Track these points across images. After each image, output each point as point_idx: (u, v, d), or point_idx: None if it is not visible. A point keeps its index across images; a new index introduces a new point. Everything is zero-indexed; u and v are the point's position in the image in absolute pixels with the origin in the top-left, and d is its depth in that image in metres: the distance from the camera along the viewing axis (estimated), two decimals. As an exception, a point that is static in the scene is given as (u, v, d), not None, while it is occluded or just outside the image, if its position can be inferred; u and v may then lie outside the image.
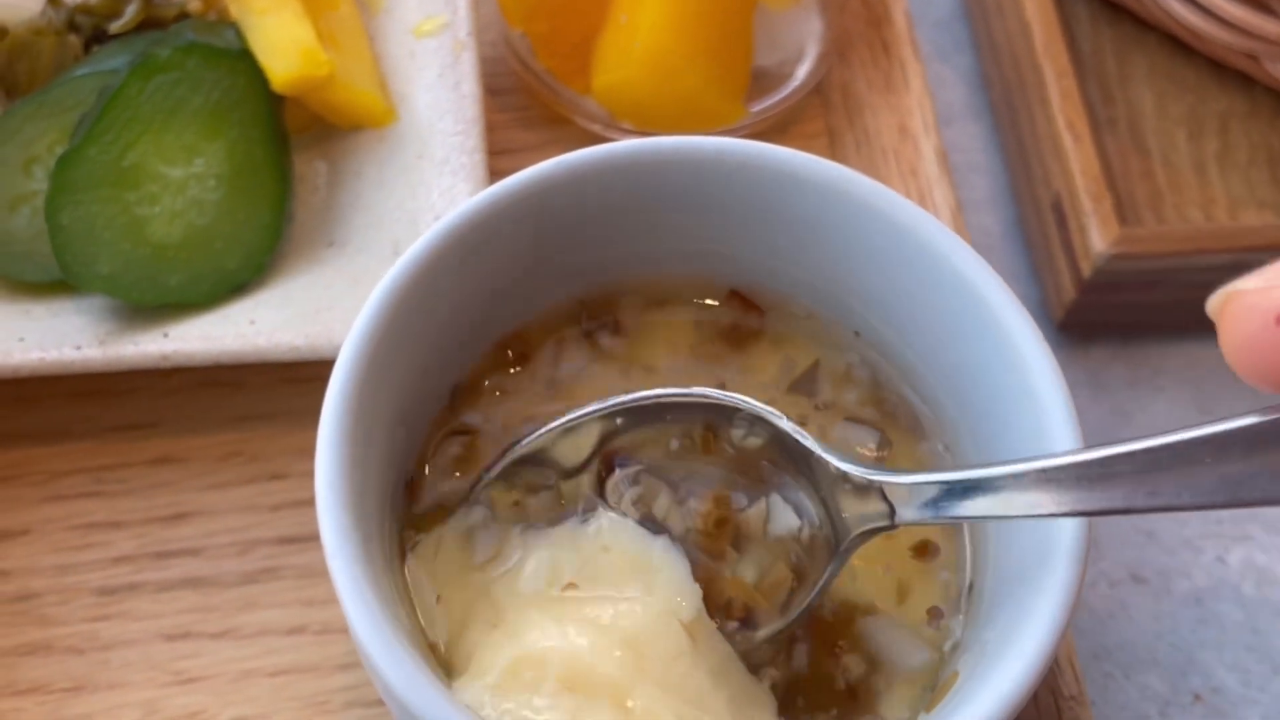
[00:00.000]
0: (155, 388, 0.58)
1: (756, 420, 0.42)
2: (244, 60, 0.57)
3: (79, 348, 0.52)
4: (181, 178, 0.55)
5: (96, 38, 0.60)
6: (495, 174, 0.58)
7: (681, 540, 0.41)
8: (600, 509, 0.42)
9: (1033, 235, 0.65)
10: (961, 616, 0.42)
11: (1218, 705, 0.56)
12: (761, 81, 0.65)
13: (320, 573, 0.54)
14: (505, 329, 0.47)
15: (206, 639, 0.53)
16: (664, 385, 0.45)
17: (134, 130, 0.54)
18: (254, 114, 0.57)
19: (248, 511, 0.56)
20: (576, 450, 0.43)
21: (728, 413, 0.42)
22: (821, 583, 0.41)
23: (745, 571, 0.41)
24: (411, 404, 0.43)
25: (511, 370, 0.47)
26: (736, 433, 0.42)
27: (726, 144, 0.43)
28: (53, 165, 0.55)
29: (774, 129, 0.66)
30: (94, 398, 0.57)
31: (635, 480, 0.42)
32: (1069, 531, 0.37)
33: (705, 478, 0.42)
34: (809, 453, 0.41)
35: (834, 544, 0.41)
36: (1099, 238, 0.59)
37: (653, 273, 0.47)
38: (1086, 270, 0.59)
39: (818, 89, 0.67)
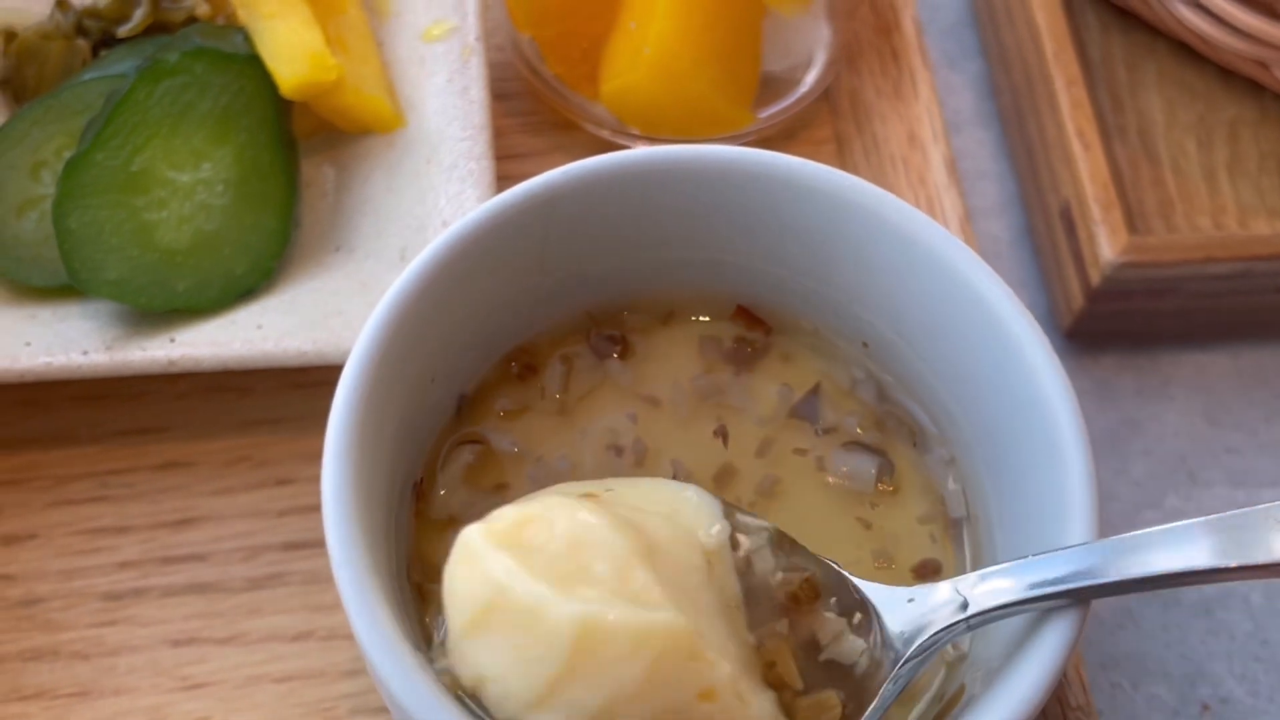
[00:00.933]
0: (163, 393, 0.58)
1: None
2: (252, 65, 0.57)
3: (86, 353, 0.52)
4: (189, 183, 0.55)
5: (104, 42, 0.60)
6: (503, 179, 0.58)
7: None
8: None
9: (1041, 243, 0.65)
10: (969, 631, 0.42)
11: (1226, 716, 0.56)
12: (770, 87, 0.65)
13: (326, 579, 0.55)
14: (513, 340, 0.47)
15: (212, 645, 0.53)
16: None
17: (142, 135, 0.54)
18: (262, 119, 0.57)
19: (254, 517, 0.56)
20: None
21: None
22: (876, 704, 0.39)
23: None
24: (418, 412, 0.43)
25: (519, 383, 0.47)
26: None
27: (736, 153, 0.43)
28: (60, 170, 0.55)
29: (782, 135, 0.66)
30: (101, 402, 0.57)
31: None
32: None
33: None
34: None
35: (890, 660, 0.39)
36: (1108, 246, 0.58)
37: (660, 283, 0.47)
38: (1095, 279, 0.59)
39: (826, 95, 0.67)
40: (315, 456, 0.57)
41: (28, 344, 0.53)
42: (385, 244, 0.57)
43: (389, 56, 0.62)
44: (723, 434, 0.46)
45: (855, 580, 0.40)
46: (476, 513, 0.44)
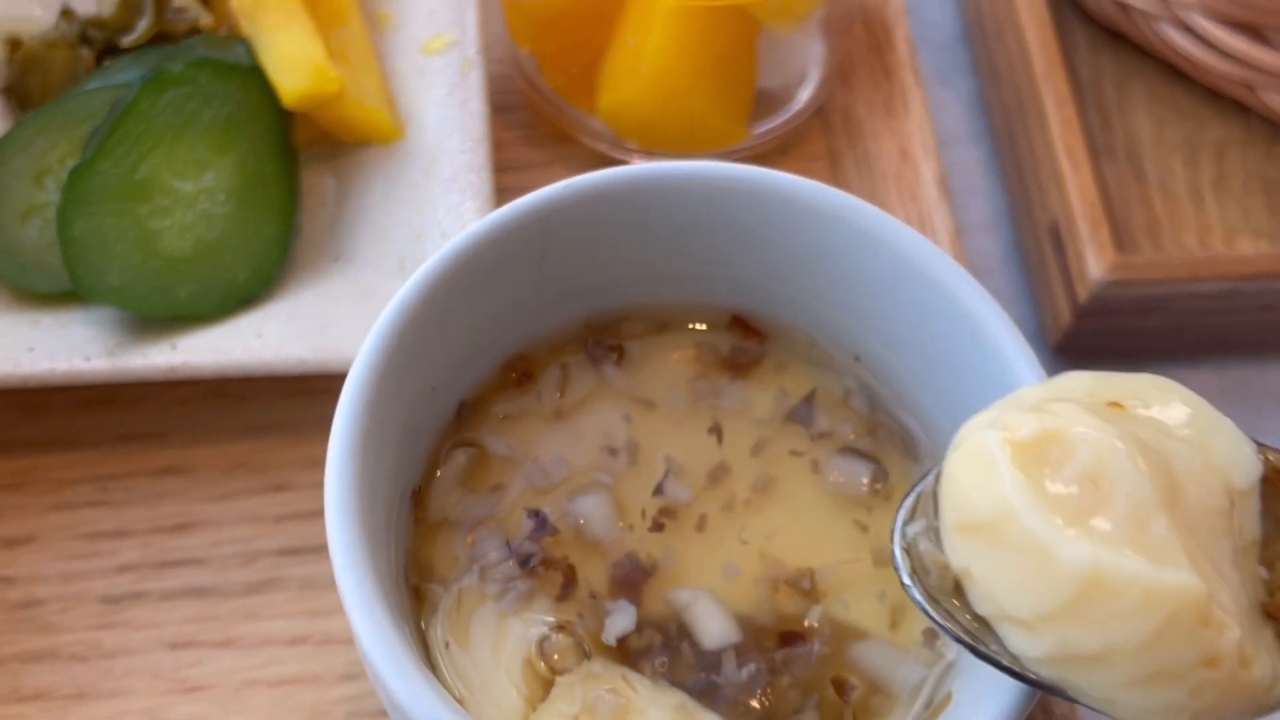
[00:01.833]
0: (162, 398, 0.58)
1: None
2: (254, 76, 0.58)
3: (88, 358, 0.53)
4: (192, 191, 0.56)
5: (108, 51, 0.61)
6: (501, 191, 0.59)
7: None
8: None
9: (1031, 259, 0.66)
10: (956, 638, 0.43)
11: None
12: (764, 103, 0.66)
13: (322, 584, 0.55)
14: (512, 348, 0.47)
15: (210, 648, 0.54)
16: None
17: (146, 144, 0.55)
18: (264, 129, 0.58)
19: (252, 522, 0.56)
20: None
21: None
22: None
23: None
24: (419, 420, 0.44)
25: (517, 390, 0.47)
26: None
27: (734, 170, 0.44)
28: (64, 177, 0.55)
29: (775, 151, 0.67)
30: (101, 407, 0.58)
31: None
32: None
33: None
34: None
35: None
36: (1095, 264, 0.59)
37: (657, 295, 0.48)
38: (1083, 296, 0.60)
39: (819, 112, 0.68)
40: (313, 463, 0.58)
41: (31, 349, 0.53)
42: (384, 253, 0.58)
43: (388, 68, 0.63)
44: (718, 431, 0.47)
45: None
46: (471, 515, 0.45)
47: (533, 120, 0.67)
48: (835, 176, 0.67)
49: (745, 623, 0.44)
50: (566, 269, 0.46)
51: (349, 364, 0.53)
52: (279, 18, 0.59)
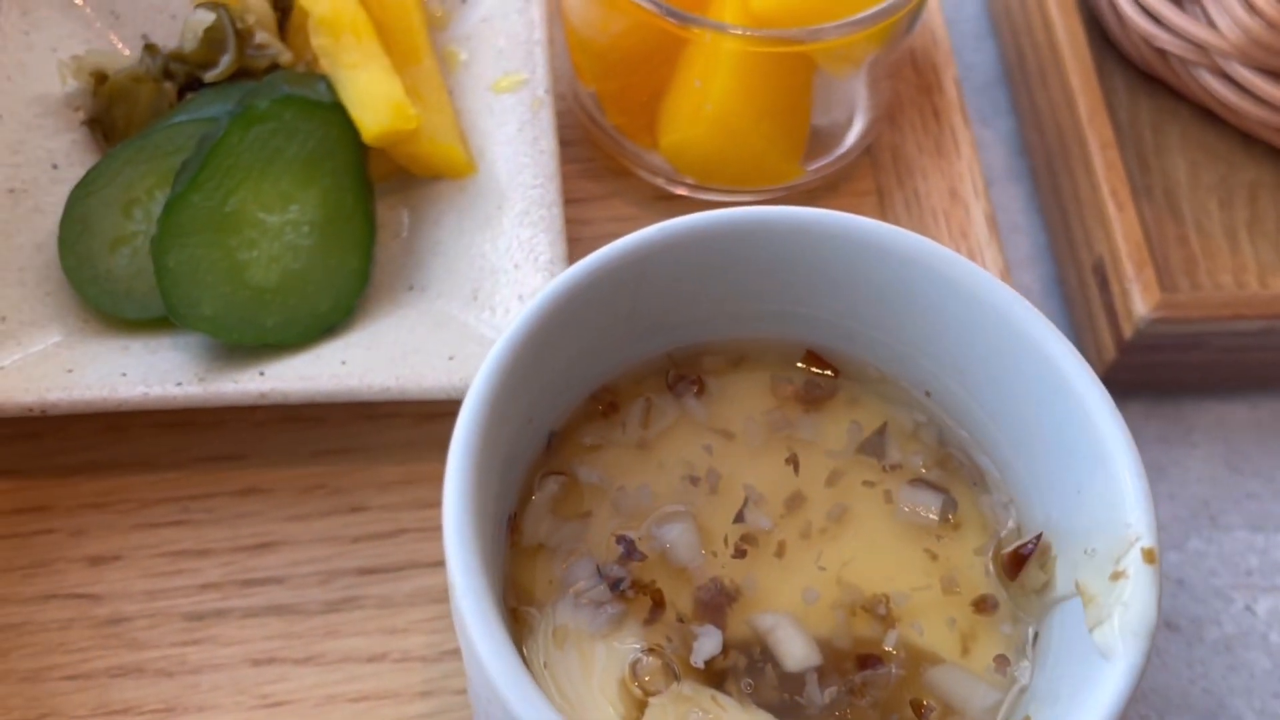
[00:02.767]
0: (242, 421, 0.60)
1: None
2: (336, 112, 0.60)
3: (180, 384, 0.55)
4: (278, 224, 0.58)
5: (190, 85, 0.63)
6: (566, 223, 0.61)
7: None
8: None
9: (1072, 295, 0.68)
10: (1028, 663, 0.45)
11: (1246, 749, 0.59)
12: (816, 142, 0.68)
13: (399, 603, 0.57)
14: (598, 380, 0.49)
15: (291, 664, 0.56)
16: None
17: (235, 178, 0.57)
18: (345, 163, 0.60)
19: (329, 542, 0.58)
20: None
21: None
22: None
23: None
24: (517, 449, 0.46)
25: (603, 420, 0.50)
26: None
27: (816, 214, 0.46)
28: (152, 208, 0.58)
29: (825, 187, 0.70)
30: (182, 430, 0.60)
31: None
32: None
33: None
34: None
35: None
36: (1141, 302, 0.62)
37: (736, 331, 0.50)
38: (1128, 332, 0.62)
39: (868, 151, 0.70)
40: (386, 485, 0.60)
41: (124, 374, 0.55)
42: (456, 284, 0.60)
43: (459, 106, 0.65)
44: (794, 462, 0.49)
45: None
46: (563, 541, 0.47)
47: (592, 154, 0.70)
48: (884, 213, 0.69)
49: (824, 646, 0.46)
50: (654, 306, 0.48)
51: (429, 391, 0.56)
52: (358, 56, 0.61)
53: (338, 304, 0.59)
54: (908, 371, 0.50)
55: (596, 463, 0.49)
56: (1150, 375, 0.66)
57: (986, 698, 0.45)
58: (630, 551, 0.47)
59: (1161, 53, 0.70)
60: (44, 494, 0.58)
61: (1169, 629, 0.62)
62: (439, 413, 0.60)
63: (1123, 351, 0.63)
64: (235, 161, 0.57)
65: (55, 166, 0.61)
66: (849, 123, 0.69)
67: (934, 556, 0.48)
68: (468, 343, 0.57)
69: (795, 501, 0.49)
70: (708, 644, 0.45)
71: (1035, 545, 0.46)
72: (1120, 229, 0.64)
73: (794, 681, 0.45)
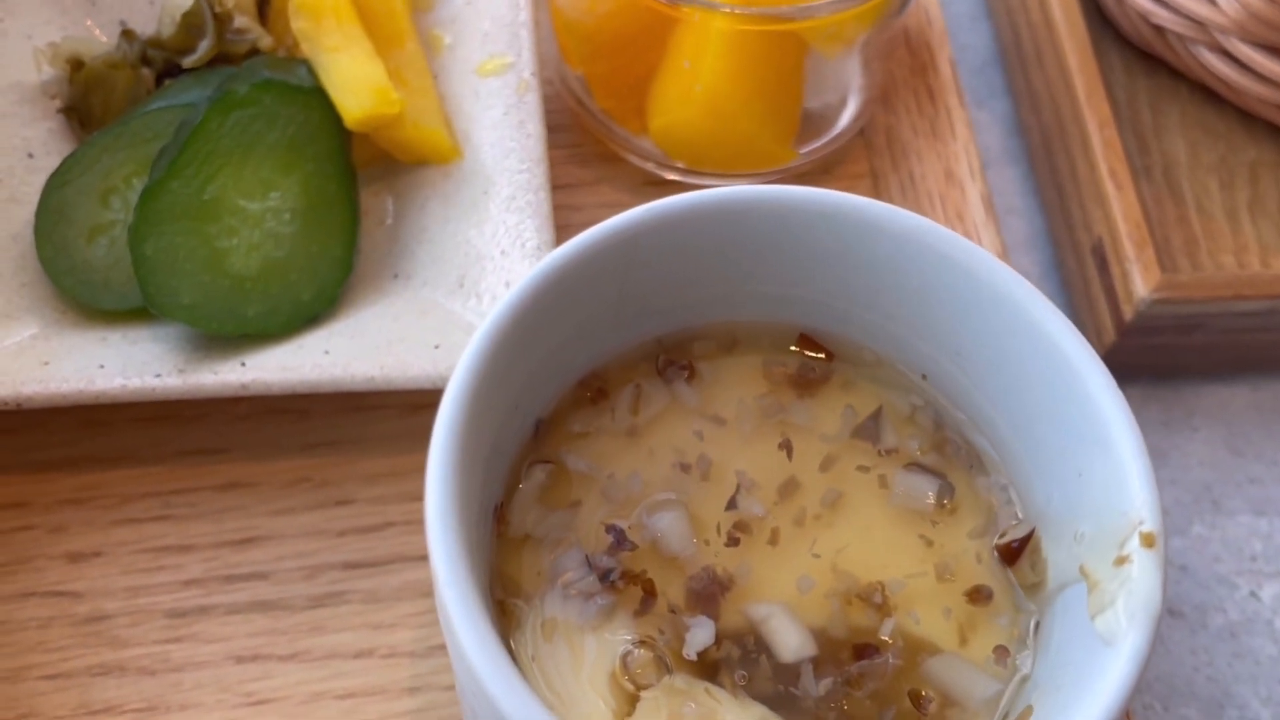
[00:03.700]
0: (224, 414, 0.59)
1: None
2: (317, 97, 0.59)
3: (159, 375, 0.54)
4: (258, 211, 0.57)
5: (168, 71, 0.62)
6: (554, 209, 0.60)
7: None
8: None
9: (1071, 277, 0.67)
10: (1029, 653, 0.44)
11: (1253, 737, 0.58)
12: (808, 124, 0.67)
13: (386, 597, 0.56)
14: (586, 366, 0.48)
15: (276, 661, 0.54)
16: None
17: (214, 164, 0.56)
18: (327, 149, 0.59)
19: (314, 537, 0.57)
20: None
21: None
22: None
23: None
24: (502, 437, 0.44)
25: (591, 407, 0.48)
26: None
27: (808, 193, 0.45)
28: (130, 196, 0.56)
29: (818, 170, 0.69)
30: (164, 423, 0.59)
31: None
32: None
33: None
34: None
35: None
36: (1141, 283, 0.61)
37: (727, 314, 0.49)
38: (1128, 314, 0.61)
39: (861, 133, 0.69)
40: (373, 478, 0.59)
41: (101, 366, 0.54)
42: (442, 272, 0.59)
43: (444, 90, 0.64)
44: (787, 447, 0.48)
45: None
46: (551, 531, 0.46)
47: (580, 139, 0.68)
48: (879, 196, 0.68)
49: (820, 635, 0.45)
50: (643, 290, 0.47)
51: (414, 381, 0.55)
52: (340, 40, 0.60)
53: (320, 293, 0.57)
54: (904, 354, 0.49)
55: (585, 450, 0.48)
56: (1151, 358, 0.65)
57: (987, 688, 0.43)
58: (620, 541, 0.45)
59: (1159, 30, 0.69)
60: (22, 490, 0.57)
61: (1172, 616, 0.61)
62: (426, 404, 0.58)
63: (1123, 334, 0.62)
64: (214, 147, 0.56)
65: (31, 155, 0.60)
66: (842, 104, 0.68)
67: (929, 543, 0.47)
68: (454, 331, 0.56)
69: (789, 488, 0.47)
70: (700, 635, 0.44)
71: (1023, 544, 0.45)
72: (1119, 209, 0.63)
73: (789, 672, 0.44)
